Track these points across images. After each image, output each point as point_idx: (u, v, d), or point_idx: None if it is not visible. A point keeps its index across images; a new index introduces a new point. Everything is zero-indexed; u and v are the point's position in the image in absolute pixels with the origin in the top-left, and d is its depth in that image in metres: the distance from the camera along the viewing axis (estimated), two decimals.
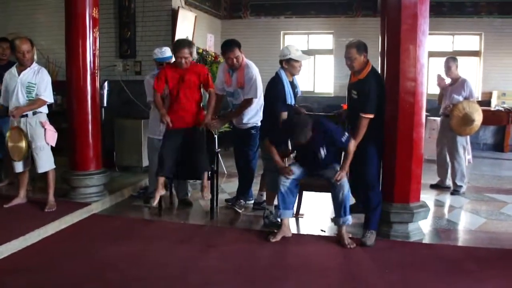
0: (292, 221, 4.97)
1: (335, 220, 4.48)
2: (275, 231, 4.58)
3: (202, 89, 5.14)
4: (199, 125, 4.97)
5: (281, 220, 4.60)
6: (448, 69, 6.33)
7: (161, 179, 5.01)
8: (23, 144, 4.98)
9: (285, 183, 4.49)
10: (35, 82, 4.99)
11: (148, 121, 5.89)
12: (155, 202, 5.01)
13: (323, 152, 4.50)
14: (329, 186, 4.47)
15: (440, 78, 6.52)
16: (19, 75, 5.01)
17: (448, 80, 6.44)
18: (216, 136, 5.85)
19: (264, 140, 4.75)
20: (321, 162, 4.55)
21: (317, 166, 4.60)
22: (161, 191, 5.04)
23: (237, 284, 3.65)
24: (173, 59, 5.13)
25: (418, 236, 4.59)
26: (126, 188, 6.21)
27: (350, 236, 4.52)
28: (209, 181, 5.10)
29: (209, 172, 5.09)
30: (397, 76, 4.38)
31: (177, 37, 7.61)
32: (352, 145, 4.38)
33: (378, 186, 4.58)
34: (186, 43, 4.91)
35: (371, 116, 4.42)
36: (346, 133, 4.42)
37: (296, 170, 4.58)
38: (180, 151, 5.01)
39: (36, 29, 8.31)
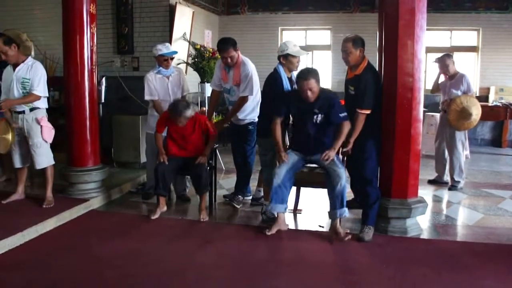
0: (290, 217, 4.98)
1: (331, 213, 4.45)
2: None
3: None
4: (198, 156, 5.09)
5: (276, 214, 4.59)
6: (446, 67, 6.33)
7: (162, 197, 5.13)
8: (9, 136, 4.96)
9: (279, 176, 4.48)
10: (29, 77, 4.97)
11: (146, 117, 5.89)
12: (154, 217, 5.04)
13: (319, 117, 4.49)
14: (327, 179, 4.47)
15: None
16: (14, 71, 4.99)
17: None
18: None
19: (272, 120, 4.71)
20: (315, 132, 4.54)
21: (311, 145, 4.58)
22: (163, 208, 5.14)
23: (234, 279, 3.65)
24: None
25: (416, 232, 4.59)
26: (124, 184, 6.21)
27: (347, 231, 4.54)
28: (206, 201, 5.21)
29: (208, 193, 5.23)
30: (394, 71, 4.38)
31: (175, 33, 7.62)
32: (346, 127, 4.42)
33: (376, 181, 4.59)
34: (184, 108, 4.90)
35: (368, 111, 4.43)
36: (346, 113, 4.43)
37: (291, 158, 4.59)
38: (178, 169, 5.17)
39: (33, 24, 8.29)
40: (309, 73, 4.41)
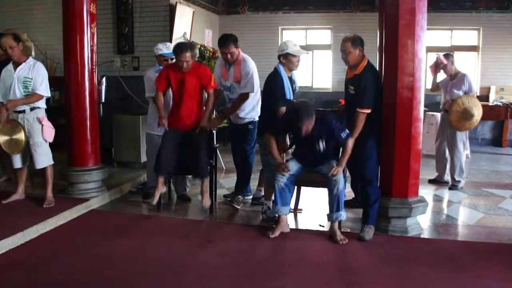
0: (290, 216, 4.97)
1: (329, 216, 4.47)
2: (273, 226, 4.59)
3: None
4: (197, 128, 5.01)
5: (278, 216, 4.59)
6: (444, 67, 6.33)
7: (161, 177, 5.05)
8: (22, 135, 4.95)
9: (281, 179, 4.49)
10: (31, 76, 4.97)
11: (146, 117, 5.89)
12: (155, 201, 5.02)
13: (322, 145, 4.50)
14: (326, 181, 4.47)
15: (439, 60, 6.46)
16: (15, 70, 4.99)
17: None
18: (214, 131, 5.86)
19: (264, 133, 4.72)
20: (320, 155, 4.54)
21: (315, 161, 4.59)
22: (161, 189, 5.07)
23: (235, 279, 3.65)
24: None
25: (416, 231, 4.59)
26: (125, 183, 6.21)
27: (349, 231, 4.55)
28: (208, 187, 5.15)
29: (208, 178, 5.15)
30: (395, 71, 4.38)
31: (175, 32, 7.62)
32: (351, 142, 4.38)
33: (376, 181, 4.58)
34: (187, 46, 4.92)
35: (368, 111, 4.43)
36: (347, 130, 4.40)
37: (293, 166, 4.58)
38: (180, 150, 5.04)
39: (34, 25, 8.30)
40: (304, 114, 4.30)
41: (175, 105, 5.15)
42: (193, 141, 4.96)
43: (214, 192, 5.39)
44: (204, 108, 5.19)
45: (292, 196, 4.64)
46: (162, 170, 4.99)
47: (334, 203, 4.37)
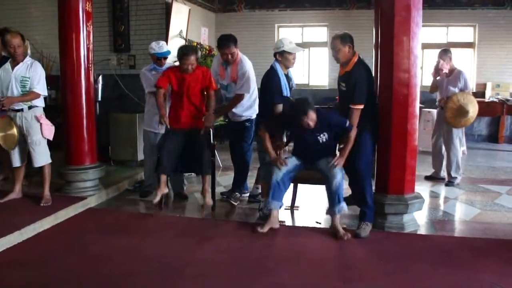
0: (287, 213, 4.99)
1: (330, 210, 4.47)
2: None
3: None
4: (201, 127, 5.00)
5: (269, 210, 4.59)
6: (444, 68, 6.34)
7: (163, 178, 5.05)
8: (14, 131, 4.96)
9: (278, 174, 4.49)
10: (29, 76, 4.96)
11: (143, 115, 5.88)
12: (156, 200, 5.00)
13: (324, 137, 4.51)
14: (323, 177, 4.48)
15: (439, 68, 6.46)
16: (12, 70, 4.98)
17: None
18: (211, 130, 5.85)
19: (259, 130, 4.74)
20: (321, 149, 4.55)
21: (313, 155, 4.59)
22: (163, 190, 5.06)
23: (233, 275, 3.66)
24: (176, 59, 5.12)
25: (413, 227, 4.61)
26: (122, 182, 6.21)
27: (345, 226, 4.55)
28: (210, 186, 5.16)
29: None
30: (391, 67, 4.38)
31: (171, 30, 7.61)
32: (354, 132, 4.40)
33: (369, 177, 4.57)
34: (192, 50, 4.96)
35: (361, 106, 4.43)
36: (348, 122, 4.41)
37: (292, 163, 4.59)
38: (181, 149, 5.06)
39: (29, 23, 8.26)
40: (306, 107, 4.34)
41: (175, 106, 5.14)
42: (196, 140, 4.98)
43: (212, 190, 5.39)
44: (205, 108, 5.18)
45: (285, 193, 4.63)
46: (164, 170, 4.99)
47: (334, 196, 4.38)
